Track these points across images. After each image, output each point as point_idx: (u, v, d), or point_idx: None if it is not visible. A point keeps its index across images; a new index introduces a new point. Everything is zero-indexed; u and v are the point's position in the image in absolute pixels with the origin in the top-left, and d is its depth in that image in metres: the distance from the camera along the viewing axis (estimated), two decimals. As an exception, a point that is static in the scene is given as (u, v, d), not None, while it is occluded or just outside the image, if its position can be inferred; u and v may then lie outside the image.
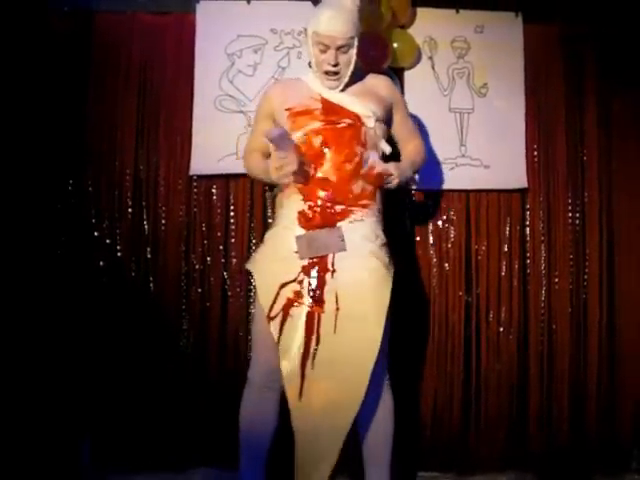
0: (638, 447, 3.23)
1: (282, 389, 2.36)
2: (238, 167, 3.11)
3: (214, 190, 3.21)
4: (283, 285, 2.33)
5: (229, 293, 3.19)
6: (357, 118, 2.40)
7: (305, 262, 2.32)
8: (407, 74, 3.22)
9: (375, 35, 2.99)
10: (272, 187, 2.97)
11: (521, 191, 3.27)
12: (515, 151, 3.23)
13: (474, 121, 3.22)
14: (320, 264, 2.31)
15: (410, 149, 2.58)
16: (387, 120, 2.52)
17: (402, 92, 3.16)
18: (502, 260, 3.24)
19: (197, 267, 3.19)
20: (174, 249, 3.18)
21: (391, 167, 2.36)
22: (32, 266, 3.06)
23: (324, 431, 2.28)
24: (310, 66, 2.47)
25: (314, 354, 2.28)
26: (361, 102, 2.42)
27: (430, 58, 3.23)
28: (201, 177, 3.19)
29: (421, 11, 3.24)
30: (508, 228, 3.26)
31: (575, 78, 3.30)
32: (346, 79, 2.42)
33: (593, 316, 3.25)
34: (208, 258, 3.19)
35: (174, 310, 3.17)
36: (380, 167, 2.32)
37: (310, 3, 3.15)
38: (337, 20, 2.34)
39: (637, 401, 3.26)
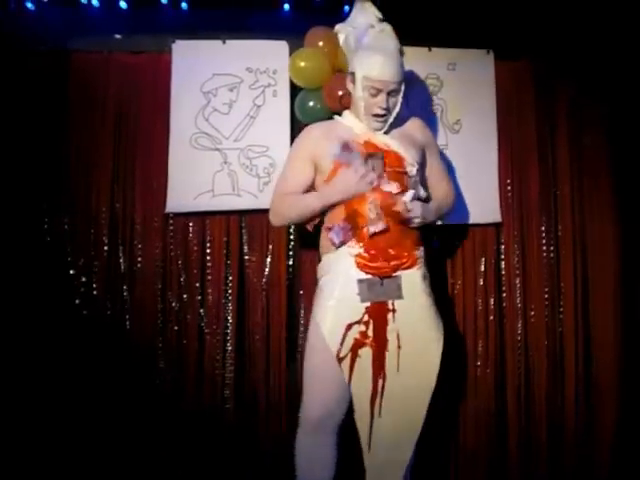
0: (617, 477, 3.22)
1: (337, 431, 2.45)
2: (214, 204, 3.17)
3: (190, 227, 3.21)
4: (349, 326, 2.41)
5: (206, 330, 3.18)
6: (399, 162, 2.47)
7: (368, 304, 2.40)
8: (381, 111, 3.26)
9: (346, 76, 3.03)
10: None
11: (495, 225, 3.30)
12: (488, 186, 3.27)
13: (448, 157, 3.25)
14: (382, 305, 2.42)
15: (439, 194, 2.67)
16: (422, 163, 2.59)
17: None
18: (478, 295, 3.26)
19: (173, 304, 3.18)
20: (150, 287, 3.17)
21: (417, 207, 2.43)
22: (7, 303, 3.04)
23: (391, 461, 2.46)
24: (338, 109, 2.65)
25: (382, 391, 2.43)
26: (404, 147, 2.50)
27: (404, 95, 3.25)
28: (177, 215, 3.20)
29: (394, 49, 3.28)
30: (483, 262, 3.28)
31: (547, 114, 3.35)
32: (391, 120, 2.52)
33: (569, 349, 3.26)
34: (184, 295, 3.19)
35: (150, 348, 3.15)
36: (404, 206, 2.40)
37: (285, 42, 3.21)
38: (390, 66, 2.43)
39: (616, 432, 3.26)
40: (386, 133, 2.53)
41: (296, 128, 3.23)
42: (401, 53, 2.52)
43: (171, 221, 3.21)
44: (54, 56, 3.20)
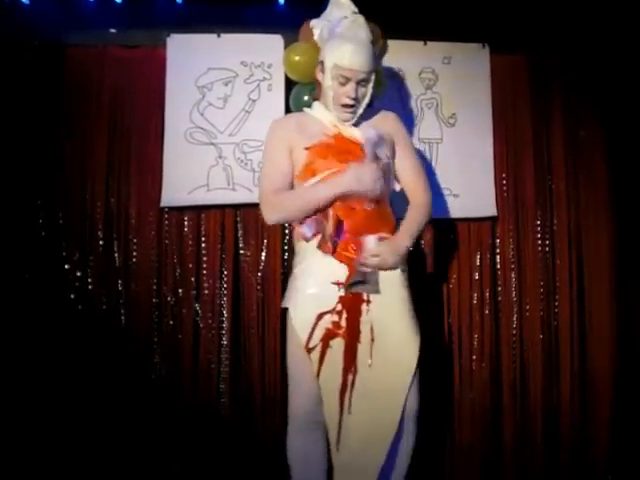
0: (612, 473, 3.23)
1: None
2: (209, 199, 3.16)
3: (185, 222, 3.21)
4: (320, 316, 2.32)
5: (201, 325, 3.18)
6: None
7: (342, 293, 2.32)
8: (376, 105, 3.23)
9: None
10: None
11: (491, 219, 3.30)
12: (484, 180, 3.26)
13: (443, 151, 3.25)
14: (356, 295, 2.33)
15: (413, 207, 2.49)
16: (393, 155, 2.50)
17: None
18: (473, 288, 3.26)
19: (169, 299, 3.18)
20: (145, 281, 3.17)
21: (386, 253, 2.31)
22: (3, 298, 3.04)
23: (361, 463, 2.30)
24: (315, 99, 2.57)
25: (352, 385, 2.31)
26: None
27: (399, 89, 3.26)
28: (172, 209, 3.20)
29: (391, 43, 3.26)
30: (479, 256, 3.29)
31: (542, 107, 3.35)
32: (360, 112, 2.45)
33: (565, 343, 3.27)
34: (180, 290, 3.19)
35: (146, 342, 3.15)
36: (374, 260, 2.30)
37: (280, 36, 3.21)
38: (360, 54, 2.37)
39: (611, 426, 3.26)
40: (355, 125, 2.46)
41: (291, 122, 3.24)
42: (372, 43, 2.44)
43: (166, 215, 3.21)
44: (49, 50, 3.20)
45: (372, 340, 2.31)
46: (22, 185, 3.13)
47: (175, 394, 3.13)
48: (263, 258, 3.22)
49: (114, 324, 3.15)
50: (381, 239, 2.33)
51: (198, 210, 3.20)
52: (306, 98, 3.11)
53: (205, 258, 3.20)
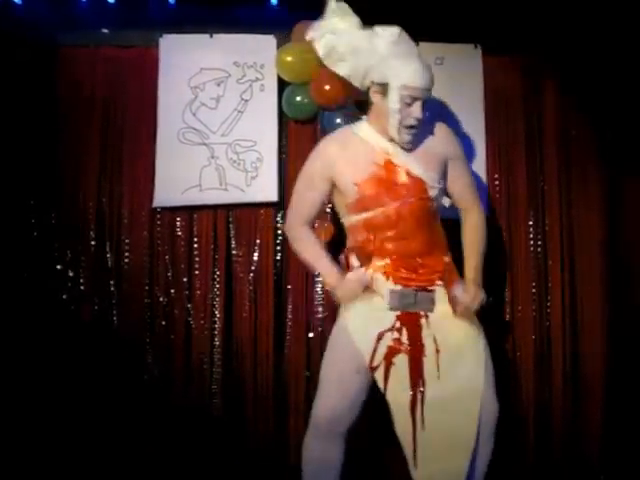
0: (605, 473, 3.23)
1: (345, 437, 2.37)
2: (201, 199, 3.16)
3: (178, 222, 3.21)
4: (381, 334, 2.33)
5: (193, 325, 3.18)
6: (421, 187, 2.38)
7: (398, 312, 2.34)
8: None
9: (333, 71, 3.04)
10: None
11: (484, 219, 3.29)
12: (477, 180, 3.25)
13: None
14: (413, 312, 2.35)
15: (470, 230, 2.51)
16: (445, 175, 2.48)
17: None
18: (465, 288, 3.26)
19: (161, 299, 3.19)
20: (138, 281, 3.18)
21: (473, 303, 2.36)
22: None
23: (444, 476, 2.30)
24: (353, 119, 2.58)
25: (422, 399, 2.30)
26: (424, 168, 2.39)
27: (392, 90, 3.26)
28: (164, 209, 3.20)
29: (383, 44, 3.28)
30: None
31: (534, 108, 3.36)
32: (417, 132, 2.38)
33: (557, 343, 3.26)
34: (172, 290, 3.19)
35: (138, 343, 3.15)
36: (461, 307, 2.35)
37: (272, 37, 3.21)
38: (427, 71, 2.32)
39: (603, 427, 3.26)
40: (409, 149, 2.41)
41: (283, 122, 3.25)
42: None
43: (158, 216, 3.21)
44: (42, 50, 3.20)
45: (437, 351, 2.32)
46: (15, 185, 3.13)
47: (167, 394, 3.14)
48: (255, 258, 3.22)
49: (106, 324, 3.15)
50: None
51: (190, 210, 3.20)
52: (299, 99, 3.13)
53: (197, 258, 3.20)
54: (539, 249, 3.31)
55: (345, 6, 2.54)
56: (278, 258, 3.25)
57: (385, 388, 2.31)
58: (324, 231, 2.88)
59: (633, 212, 3.33)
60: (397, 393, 2.32)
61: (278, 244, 3.25)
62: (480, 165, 3.27)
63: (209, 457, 3.10)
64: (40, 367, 3.05)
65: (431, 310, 2.35)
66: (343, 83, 2.68)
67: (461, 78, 3.28)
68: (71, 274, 3.15)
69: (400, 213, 2.36)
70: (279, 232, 3.24)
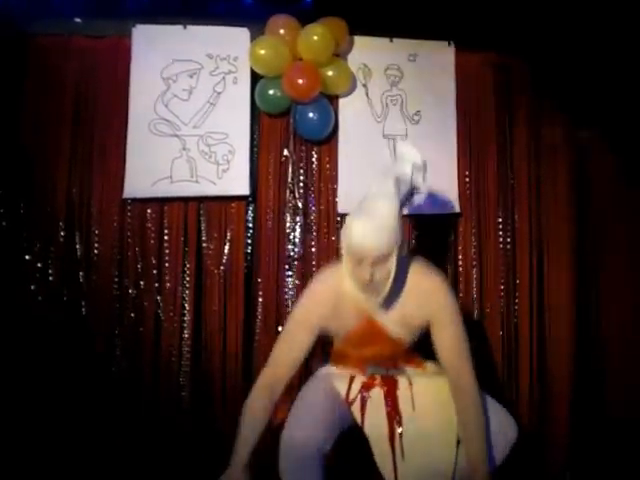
0: (570, 470, 3.26)
1: (324, 455, 2.25)
2: (172, 191, 3.15)
3: (148, 214, 3.19)
4: (353, 377, 2.38)
5: (162, 317, 3.16)
6: (401, 343, 2.33)
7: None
8: (341, 101, 3.27)
9: (306, 64, 3.04)
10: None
11: (453, 216, 3.32)
12: (447, 177, 3.29)
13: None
14: None
15: (465, 416, 2.24)
16: (427, 329, 2.32)
17: (336, 119, 3.23)
18: (435, 285, 3.28)
19: (130, 291, 3.17)
20: (107, 273, 3.15)
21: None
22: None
23: None
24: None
25: (400, 433, 2.30)
26: (404, 331, 2.30)
27: (364, 85, 3.27)
28: (135, 200, 3.18)
29: (357, 39, 3.29)
30: (440, 253, 3.29)
31: (505, 105, 3.38)
32: (386, 291, 2.18)
33: (524, 339, 3.29)
34: (141, 282, 3.17)
35: (107, 335, 3.13)
36: None
37: (246, 29, 3.21)
38: (371, 234, 2.09)
39: (569, 424, 3.29)
40: (388, 305, 2.26)
41: (256, 116, 3.24)
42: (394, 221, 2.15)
43: (129, 207, 3.19)
44: (13, 38, 3.15)
45: (410, 384, 2.35)
46: (-17, 175, 3.10)
47: (136, 386, 3.12)
48: (226, 251, 3.22)
49: (75, 316, 3.12)
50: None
51: (161, 202, 3.19)
52: (271, 92, 3.13)
53: (167, 251, 3.19)
54: (508, 246, 3.34)
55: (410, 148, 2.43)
56: (249, 251, 3.25)
57: (362, 421, 2.33)
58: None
59: (601, 210, 3.37)
60: (374, 426, 2.32)
61: (249, 237, 3.25)
62: (451, 161, 3.30)
63: (177, 450, 3.08)
64: (7, 358, 3.01)
65: None
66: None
67: (434, 75, 3.32)
68: (40, 265, 3.11)
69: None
70: (250, 225, 3.24)
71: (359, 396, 2.35)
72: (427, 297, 2.27)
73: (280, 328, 3.16)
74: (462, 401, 2.25)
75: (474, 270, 3.30)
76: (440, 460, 2.27)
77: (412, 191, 2.36)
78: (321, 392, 2.35)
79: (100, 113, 3.20)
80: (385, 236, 2.11)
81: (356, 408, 2.34)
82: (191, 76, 3.19)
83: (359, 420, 2.33)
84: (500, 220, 3.34)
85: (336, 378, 2.38)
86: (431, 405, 2.32)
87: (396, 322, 2.29)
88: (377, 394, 2.35)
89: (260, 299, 3.22)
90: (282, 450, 2.22)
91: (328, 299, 2.29)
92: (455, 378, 2.27)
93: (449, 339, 2.27)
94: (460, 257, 3.32)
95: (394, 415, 2.32)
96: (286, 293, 3.24)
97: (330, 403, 2.31)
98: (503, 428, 2.33)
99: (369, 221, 2.11)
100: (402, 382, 2.37)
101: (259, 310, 3.22)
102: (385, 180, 2.21)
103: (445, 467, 2.27)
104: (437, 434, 2.28)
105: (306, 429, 2.21)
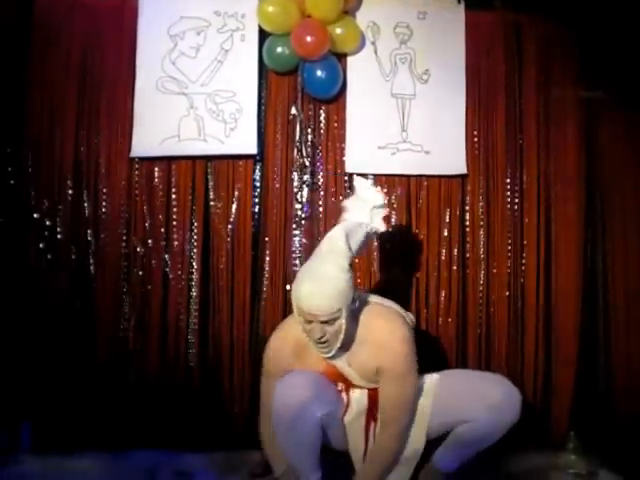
0: (575, 429, 3.28)
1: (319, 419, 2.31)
2: (180, 149, 3.14)
3: (155, 172, 3.19)
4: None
5: (170, 276, 3.17)
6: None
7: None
8: (350, 59, 3.23)
9: (314, 22, 3.01)
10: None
11: (461, 177, 3.30)
12: (455, 137, 3.26)
13: (415, 107, 3.24)
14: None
15: (376, 453, 2.38)
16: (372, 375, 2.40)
17: (344, 77, 3.20)
18: (442, 245, 3.27)
19: (138, 250, 3.17)
20: (115, 231, 3.15)
21: None
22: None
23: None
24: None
25: (375, 419, 2.42)
26: (365, 380, 2.39)
27: (373, 43, 3.23)
28: (142, 159, 3.17)
29: (366, -3, 3.26)
30: (448, 213, 3.28)
31: (515, 65, 3.33)
32: (338, 346, 2.25)
33: (530, 300, 3.28)
34: (149, 241, 3.17)
35: (115, 293, 3.15)
36: None
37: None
38: (317, 296, 2.14)
39: (574, 382, 3.29)
40: (344, 355, 2.36)
41: (264, 73, 3.22)
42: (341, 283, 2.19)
43: (136, 166, 3.18)
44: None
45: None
46: (-10, 133, 3.09)
47: (143, 344, 3.15)
48: (233, 210, 3.21)
49: (83, 274, 3.14)
50: None
51: (168, 161, 3.18)
52: (279, 50, 3.11)
53: (175, 209, 3.19)
54: (516, 207, 3.31)
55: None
56: (256, 210, 3.25)
57: (345, 412, 2.42)
58: None
59: (610, 172, 3.35)
60: (354, 418, 2.42)
61: (256, 196, 3.25)
62: (459, 121, 3.26)
63: (185, 407, 3.12)
64: (16, 316, 3.03)
65: None
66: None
67: (443, 33, 3.27)
68: (48, 223, 3.12)
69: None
70: (257, 184, 3.24)
71: (343, 386, 2.43)
72: (378, 348, 2.30)
73: (288, 287, 3.18)
74: (381, 442, 2.37)
75: (481, 231, 3.29)
76: (410, 444, 2.40)
77: (369, 235, 2.37)
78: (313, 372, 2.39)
79: (107, 72, 3.17)
80: (334, 298, 2.15)
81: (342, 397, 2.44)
82: (198, 33, 3.17)
83: (342, 408, 2.42)
84: (508, 181, 3.31)
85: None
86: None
87: (355, 371, 2.37)
88: (361, 393, 2.44)
89: (267, 258, 3.22)
90: (275, 408, 2.27)
91: (291, 349, 2.37)
92: (386, 422, 2.36)
93: (394, 393, 2.32)
94: (467, 217, 3.31)
95: (374, 411, 2.40)
96: (293, 252, 3.24)
97: (322, 377, 2.37)
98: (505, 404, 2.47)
99: (317, 285, 2.15)
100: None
101: (266, 269, 3.22)
102: (336, 237, 2.23)
103: (413, 450, 2.41)
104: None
105: (298, 387, 2.26)
